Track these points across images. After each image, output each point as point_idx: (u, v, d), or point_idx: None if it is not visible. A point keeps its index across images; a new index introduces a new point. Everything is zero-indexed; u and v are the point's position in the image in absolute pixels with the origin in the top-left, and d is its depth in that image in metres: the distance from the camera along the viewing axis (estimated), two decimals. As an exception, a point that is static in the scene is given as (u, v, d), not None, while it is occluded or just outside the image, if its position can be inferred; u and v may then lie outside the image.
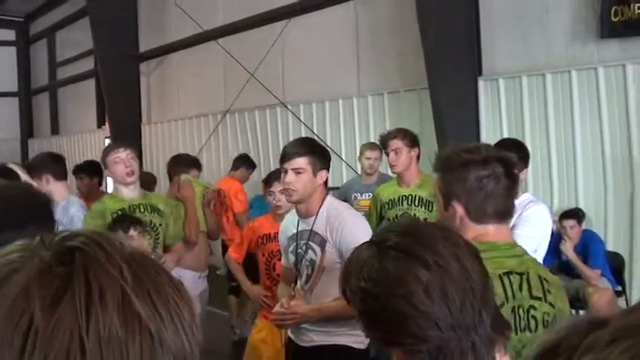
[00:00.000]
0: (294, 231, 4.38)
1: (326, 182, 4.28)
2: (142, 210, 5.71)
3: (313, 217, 4.21)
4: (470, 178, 2.57)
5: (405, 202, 5.94)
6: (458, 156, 2.65)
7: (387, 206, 6.10)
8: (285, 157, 4.25)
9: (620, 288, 7.93)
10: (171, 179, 7.41)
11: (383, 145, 6.39)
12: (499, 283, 2.49)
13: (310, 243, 4.23)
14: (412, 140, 6.20)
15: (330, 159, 4.36)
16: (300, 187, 4.16)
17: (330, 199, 4.28)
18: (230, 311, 9.10)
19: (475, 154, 2.62)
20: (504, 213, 2.62)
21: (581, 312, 7.69)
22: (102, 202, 5.78)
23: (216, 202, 8.83)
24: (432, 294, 1.62)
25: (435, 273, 1.63)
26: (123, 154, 5.58)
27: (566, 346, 0.74)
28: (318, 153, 4.24)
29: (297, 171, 4.13)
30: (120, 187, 5.68)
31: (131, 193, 5.64)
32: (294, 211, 4.49)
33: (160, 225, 5.80)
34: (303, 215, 4.29)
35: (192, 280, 6.59)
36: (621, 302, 7.71)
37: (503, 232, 2.63)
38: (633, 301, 8.09)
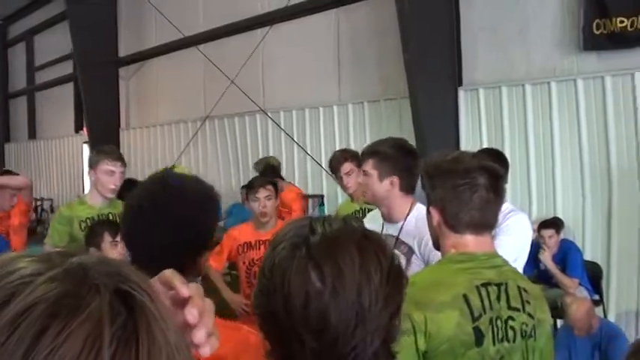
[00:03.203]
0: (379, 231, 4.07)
1: (408, 188, 3.95)
2: (112, 218, 5.58)
3: (400, 224, 3.92)
4: (447, 186, 2.59)
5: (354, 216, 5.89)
6: (441, 163, 2.68)
7: None
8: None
9: (597, 297, 7.99)
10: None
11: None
12: (476, 294, 2.49)
13: (395, 251, 3.91)
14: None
15: (411, 164, 3.92)
16: (369, 192, 3.99)
17: (421, 207, 3.71)
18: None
19: (457, 162, 2.63)
20: (481, 224, 2.60)
21: (559, 321, 7.73)
22: (70, 208, 5.68)
23: None
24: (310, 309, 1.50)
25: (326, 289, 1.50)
26: (118, 170, 5.50)
27: None
28: (388, 157, 3.91)
29: (365, 173, 3.97)
30: (95, 194, 5.58)
31: (103, 202, 5.55)
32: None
33: None
34: (386, 219, 4.01)
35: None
36: (599, 311, 7.76)
37: (483, 243, 2.62)
38: (610, 310, 8.16)
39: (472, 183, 2.55)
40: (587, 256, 8.27)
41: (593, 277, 8.03)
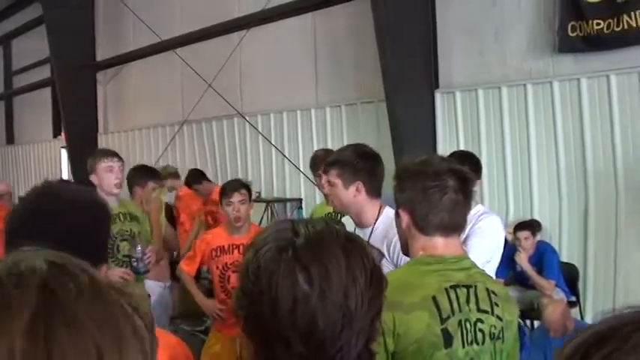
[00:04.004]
0: None
1: (374, 192, 3.95)
2: (122, 219, 5.67)
3: (370, 229, 3.92)
4: (416, 188, 2.60)
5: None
6: (411, 165, 2.70)
7: None
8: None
9: (574, 298, 8.01)
10: (131, 190, 7.28)
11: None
12: (445, 296, 2.50)
13: None
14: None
15: (374, 167, 3.98)
16: (335, 201, 3.99)
17: (389, 211, 3.79)
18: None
19: (428, 165, 2.64)
20: (450, 226, 2.61)
21: (536, 322, 7.75)
22: None
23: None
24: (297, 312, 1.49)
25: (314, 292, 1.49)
26: (116, 165, 5.57)
27: (615, 338, 0.75)
28: (350, 164, 3.92)
29: (330, 183, 3.98)
30: (103, 196, 5.52)
31: (112, 202, 5.49)
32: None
33: (139, 232, 5.73)
34: (357, 224, 4.01)
35: (156, 290, 6.56)
36: (575, 313, 7.79)
37: (452, 246, 2.62)
38: (587, 312, 8.19)
39: (442, 185, 2.57)
40: (564, 258, 8.29)
41: (570, 278, 8.05)
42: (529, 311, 7.86)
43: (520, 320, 7.45)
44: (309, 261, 1.49)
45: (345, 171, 3.90)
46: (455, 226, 2.62)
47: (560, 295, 7.62)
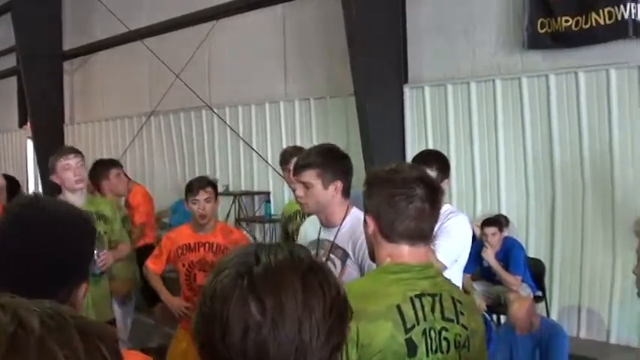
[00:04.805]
0: (316, 237, 4.06)
1: (347, 192, 3.96)
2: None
3: (336, 229, 3.91)
4: (383, 195, 2.59)
5: (297, 217, 5.84)
6: (380, 172, 2.69)
7: (288, 221, 5.99)
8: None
9: (540, 293, 8.07)
10: (99, 188, 7.14)
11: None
12: (410, 305, 2.48)
13: (331, 255, 3.91)
14: None
15: (348, 167, 3.99)
16: (311, 202, 3.92)
17: (356, 211, 3.85)
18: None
19: (397, 172, 2.63)
20: (416, 234, 2.59)
21: (502, 317, 7.79)
22: None
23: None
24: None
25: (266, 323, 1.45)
26: (73, 162, 5.47)
27: None
28: (328, 164, 3.90)
29: (306, 185, 3.89)
30: (67, 194, 5.50)
31: (78, 200, 5.40)
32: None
33: (105, 232, 5.66)
34: (324, 224, 4.00)
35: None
36: (541, 308, 7.84)
37: (418, 254, 2.60)
38: (553, 306, 8.28)
39: (409, 193, 2.55)
40: (531, 253, 8.35)
41: (536, 273, 8.11)
42: (496, 306, 7.92)
43: (487, 315, 7.54)
44: (264, 291, 1.45)
45: (326, 171, 3.87)
46: (421, 234, 2.60)
47: (526, 291, 7.67)
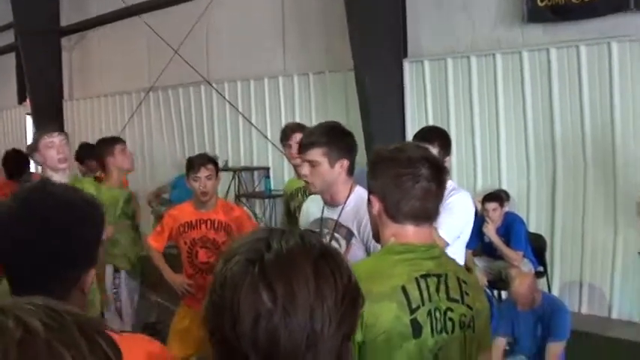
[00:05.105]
0: (319, 216, 4.04)
1: (352, 170, 3.94)
2: None
3: (340, 207, 3.90)
4: (389, 175, 2.57)
5: (299, 194, 5.84)
6: (384, 152, 2.66)
7: (290, 198, 5.98)
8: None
9: (541, 269, 8.07)
10: (104, 167, 7.03)
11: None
12: (415, 285, 2.47)
13: (335, 234, 3.90)
14: None
15: (353, 145, 3.99)
16: (317, 181, 3.89)
17: (360, 190, 3.80)
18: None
19: (401, 152, 2.61)
20: (422, 214, 2.57)
21: (504, 293, 7.80)
22: None
23: None
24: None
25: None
26: (57, 140, 5.39)
27: None
28: (334, 142, 3.87)
29: (312, 164, 3.86)
30: (51, 173, 5.41)
31: (61, 179, 5.18)
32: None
33: None
34: (328, 203, 3.99)
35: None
36: (542, 283, 7.84)
37: (423, 234, 2.59)
38: (555, 282, 8.28)
39: (415, 173, 2.53)
40: (532, 228, 8.34)
41: (538, 249, 8.11)
42: (497, 282, 7.92)
43: (488, 290, 7.54)
44: (275, 278, 1.43)
45: (332, 149, 3.84)
46: (426, 214, 2.58)
47: (527, 266, 7.67)
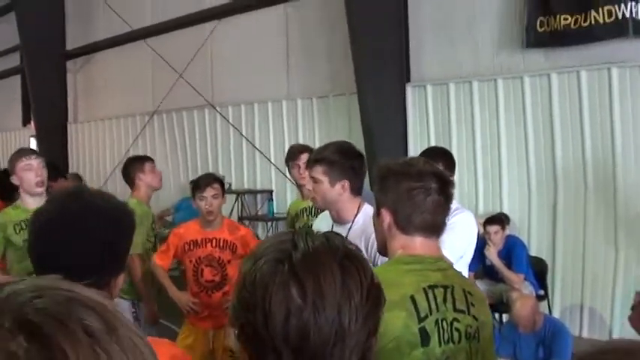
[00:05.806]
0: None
1: (356, 190, 3.97)
2: None
3: (348, 225, 3.93)
4: (401, 188, 2.63)
5: (304, 215, 5.90)
6: (394, 166, 2.72)
7: (295, 219, 6.05)
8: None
9: (542, 292, 8.10)
10: (131, 181, 6.92)
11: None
12: (423, 295, 2.52)
13: None
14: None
15: (360, 166, 4.02)
16: (318, 197, 3.98)
17: (368, 208, 3.80)
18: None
19: (411, 166, 2.68)
20: (432, 227, 2.64)
21: (505, 316, 7.82)
22: (3, 214, 5.44)
23: None
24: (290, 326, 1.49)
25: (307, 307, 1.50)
26: (34, 162, 5.29)
27: None
28: (338, 162, 3.91)
29: (314, 180, 3.95)
30: (25, 197, 5.34)
31: (36, 203, 4.92)
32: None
33: None
34: (335, 220, 4.04)
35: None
36: (543, 306, 7.86)
37: (430, 246, 2.65)
38: (555, 305, 8.29)
39: (426, 187, 2.60)
40: (533, 252, 8.38)
41: (539, 272, 8.14)
42: (498, 305, 7.94)
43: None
44: (304, 275, 1.50)
45: (333, 169, 3.91)
46: (436, 227, 2.65)
47: (528, 289, 7.69)
